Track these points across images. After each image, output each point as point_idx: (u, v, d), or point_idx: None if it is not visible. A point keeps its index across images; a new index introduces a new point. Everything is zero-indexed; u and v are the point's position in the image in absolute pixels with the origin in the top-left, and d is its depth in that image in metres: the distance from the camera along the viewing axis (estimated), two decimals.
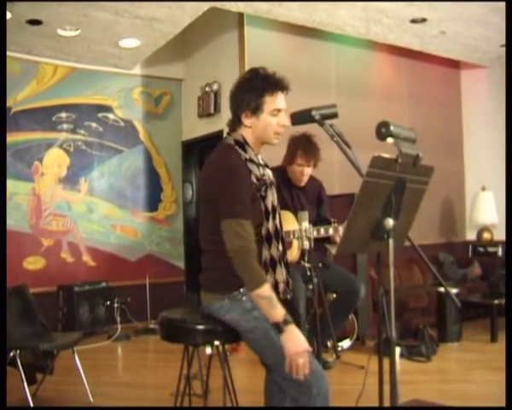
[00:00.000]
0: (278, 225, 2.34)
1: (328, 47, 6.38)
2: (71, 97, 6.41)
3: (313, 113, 2.26)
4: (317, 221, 3.91)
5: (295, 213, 3.80)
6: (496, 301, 5.32)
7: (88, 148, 6.54)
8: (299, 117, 2.33)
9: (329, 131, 2.22)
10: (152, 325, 6.20)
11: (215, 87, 6.39)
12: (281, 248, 2.33)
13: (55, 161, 6.32)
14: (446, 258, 6.68)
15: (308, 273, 3.67)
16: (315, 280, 3.68)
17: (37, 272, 6.11)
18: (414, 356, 4.65)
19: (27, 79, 6.15)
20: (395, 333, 2.01)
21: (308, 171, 3.94)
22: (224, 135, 2.44)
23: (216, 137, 5.97)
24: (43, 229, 6.21)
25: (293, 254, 3.76)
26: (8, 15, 4.84)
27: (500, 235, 6.70)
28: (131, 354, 5.44)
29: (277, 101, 2.28)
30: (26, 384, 3.37)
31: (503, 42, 5.86)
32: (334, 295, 4.17)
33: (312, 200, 4.08)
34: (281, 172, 3.89)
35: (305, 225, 3.60)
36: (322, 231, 3.72)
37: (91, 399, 3.73)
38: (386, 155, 1.92)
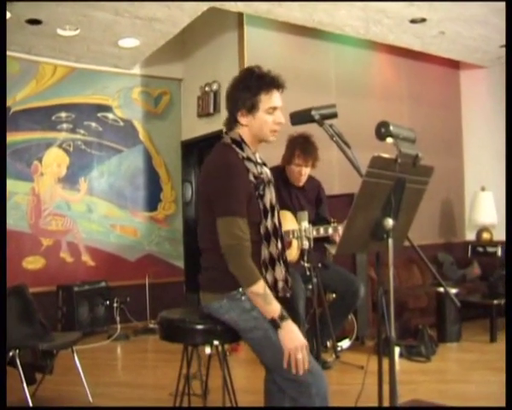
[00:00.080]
0: (277, 223, 2.34)
1: (327, 47, 6.38)
2: (70, 97, 6.41)
3: (313, 113, 2.26)
4: (316, 221, 3.91)
5: (294, 212, 3.80)
6: (495, 302, 5.32)
7: (87, 147, 6.54)
8: (299, 117, 2.33)
9: (329, 131, 2.22)
10: (151, 325, 6.20)
11: (214, 87, 6.40)
12: (280, 246, 2.34)
13: (55, 161, 6.32)
14: (446, 258, 6.68)
15: (307, 273, 3.67)
16: (314, 280, 3.68)
17: (36, 272, 6.11)
18: (413, 356, 4.65)
19: (27, 79, 6.14)
20: (394, 333, 2.01)
21: (306, 171, 3.95)
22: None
23: (215, 136, 5.91)
24: (42, 229, 6.21)
25: (292, 253, 3.75)
26: (8, 15, 4.84)
27: (499, 235, 6.70)
28: (131, 354, 5.43)
29: (273, 99, 2.28)
30: (25, 384, 3.37)
31: (503, 42, 5.87)
32: (334, 295, 4.17)
33: (311, 200, 4.08)
34: (279, 172, 3.90)
35: (305, 224, 3.60)
36: (321, 230, 3.72)
37: (91, 399, 3.73)
38: (385, 155, 1.92)
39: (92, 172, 6.56)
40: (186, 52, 7.05)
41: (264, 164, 2.43)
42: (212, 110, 6.41)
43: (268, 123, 2.29)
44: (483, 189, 6.97)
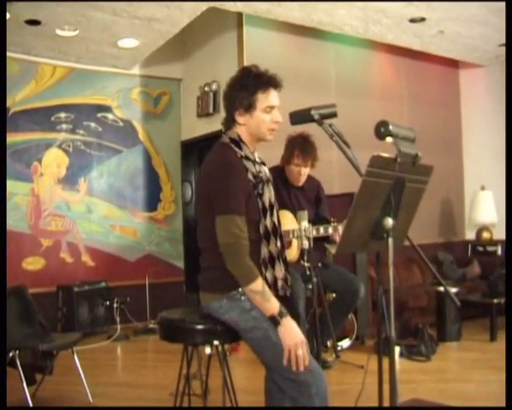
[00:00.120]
0: (276, 222, 2.35)
1: (327, 47, 6.38)
2: (70, 97, 6.41)
3: (312, 112, 2.26)
4: (315, 221, 3.91)
5: (294, 212, 3.79)
6: (495, 301, 5.32)
7: (87, 148, 6.53)
8: (299, 117, 2.33)
9: (328, 131, 2.22)
10: (151, 325, 6.20)
11: (214, 87, 6.40)
12: (279, 244, 2.34)
13: (54, 162, 6.32)
14: (446, 257, 6.68)
15: (307, 273, 3.66)
16: (314, 280, 3.67)
17: (36, 273, 6.11)
18: (413, 356, 4.65)
19: (26, 80, 6.14)
20: (394, 332, 2.01)
21: (305, 171, 3.94)
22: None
23: (215, 136, 5.88)
24: (42, 229, 6.21)
25: (292, 253, 3.75)
26: (7, 16, 4.84)
27: (499, 234, 6.71)
28: (131, 354, 5.43)
29: (270, 98, 2.29)
30: (25, 385, 3.37)
31: (503, 41, 5.87)
32: (334, 295, 4.17)
33: (311, 199, 4.08)
34: (279, 172, 3.90)
35: (305, 224, 3.60)
36: (321, 230, 3.72)
37: (91, 399, 3.73)
38: (385, 155, 1.92)
39: (92, 172, 6.56)
40: (185, 52, 7.05)
41: (263, 163, 2.43)
42: (211, 110, 6.41)
43: (265, 122, 2.30)
44: (483, 188, 6.97)
